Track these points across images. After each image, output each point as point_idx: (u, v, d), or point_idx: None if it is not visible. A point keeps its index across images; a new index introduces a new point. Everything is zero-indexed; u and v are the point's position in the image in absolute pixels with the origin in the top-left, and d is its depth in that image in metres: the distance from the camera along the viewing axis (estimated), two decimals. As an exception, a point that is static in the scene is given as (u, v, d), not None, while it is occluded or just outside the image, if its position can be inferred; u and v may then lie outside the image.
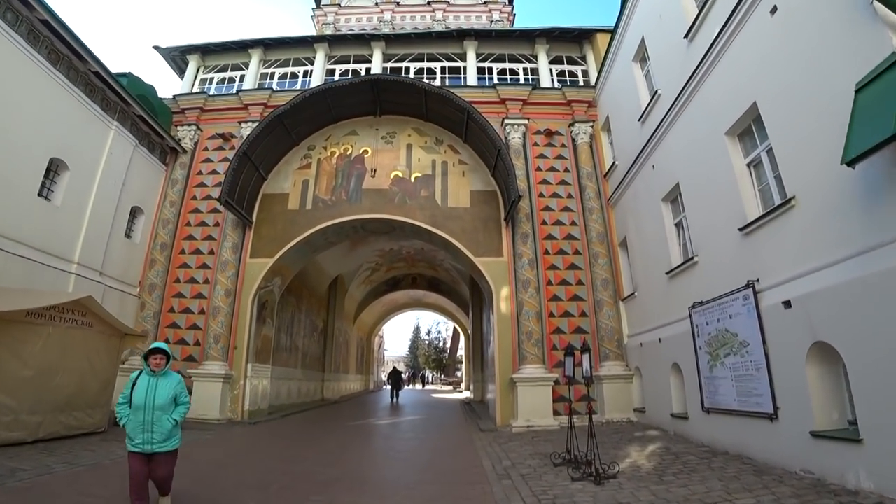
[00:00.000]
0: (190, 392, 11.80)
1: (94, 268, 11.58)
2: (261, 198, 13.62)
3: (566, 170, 13.46)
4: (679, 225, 9.43)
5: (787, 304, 5.79)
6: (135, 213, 13.40)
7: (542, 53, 15.51)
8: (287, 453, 7.53)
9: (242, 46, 16.55)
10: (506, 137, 13.32)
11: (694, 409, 8.12)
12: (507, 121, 13.70)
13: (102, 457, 6.90)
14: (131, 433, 3.94)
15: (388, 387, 26.60)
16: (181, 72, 17.16)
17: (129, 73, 13.66)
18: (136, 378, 4.09)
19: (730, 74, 7.27)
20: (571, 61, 15.81)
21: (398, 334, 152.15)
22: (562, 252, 12.35)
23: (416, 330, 63.10)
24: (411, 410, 17.16)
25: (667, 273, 9.41)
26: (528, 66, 15.80)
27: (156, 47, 16.57)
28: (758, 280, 6.49)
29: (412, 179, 13.42)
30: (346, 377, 25.20)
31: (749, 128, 7.04)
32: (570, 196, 13.08)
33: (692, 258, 8.45)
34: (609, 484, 5.20)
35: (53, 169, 10.79)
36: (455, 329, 43.79)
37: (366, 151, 13.85)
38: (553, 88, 14.49)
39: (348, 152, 13.93)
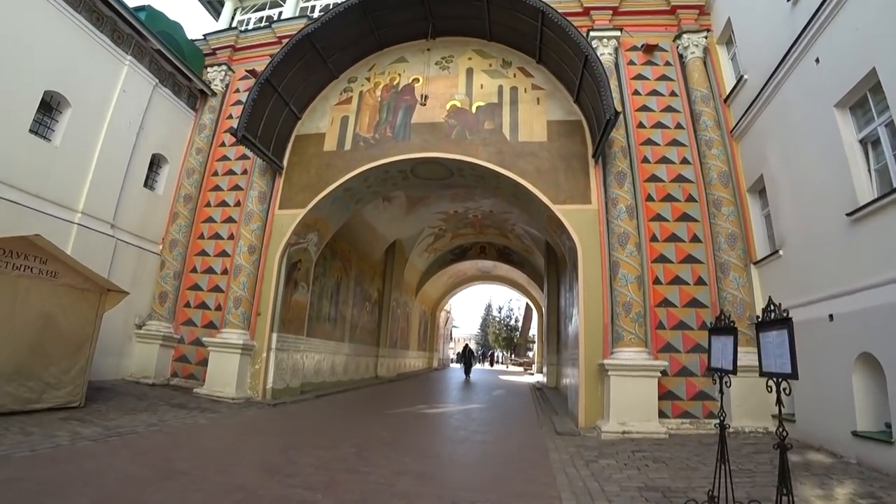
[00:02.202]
0: (205, 364, 10.42)
1: (104, 219, 10.08)
2: (293, 140, 11.51)
3: (673, 93, 10.06)
4: (867, 141, 6.02)
5: None
6: (158, 162, 11.88)
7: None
8: (272, 461, 5.27)
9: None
10: (592, 53, 10.07)
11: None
12: (592, 34, 10.45)
13: (36, 442, 5.05)
14: None
15: (459, 364, 27.39)
16: (217, 14, 15.49)
17: (148, 5, 11.97)
18: None
19: None
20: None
21: (468, 311, 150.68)
22: (670, 198, 9.08)
23: (488, 308, 60.75)
24: (472, 395, 14.71)
25: (849, 215, 6.06)
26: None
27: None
28: None
29: (473, 110, 10.64)
30: (404, 353, 23.29)
31: None
32: (679, 126, 9.70)
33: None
34: None
35: (54, 106, 9.31)
36: (527, 305, 40.80)
37: (416, 80, 11.23)
38: None
39: (395, 82, 11.39)
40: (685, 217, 8.90)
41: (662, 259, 8.63)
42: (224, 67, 12.90)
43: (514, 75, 10.80)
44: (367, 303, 17.75)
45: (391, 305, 19.89)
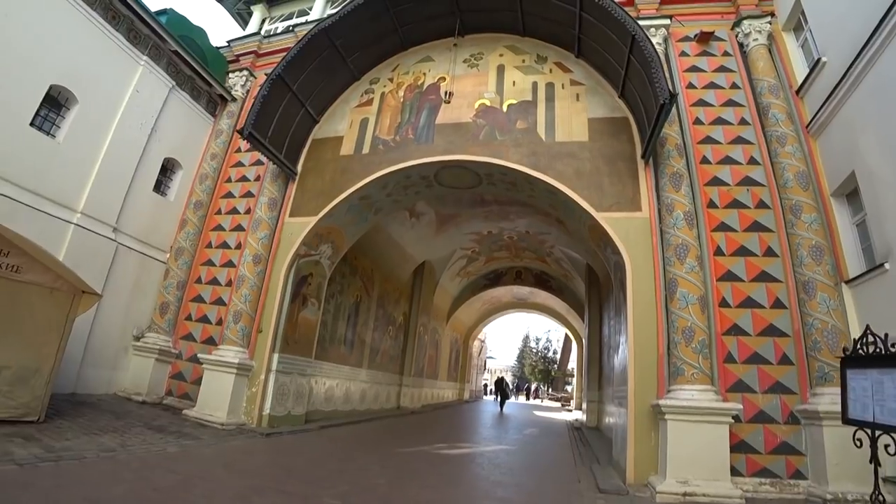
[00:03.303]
0: (200, 383, 9.38)
1: (106, 221, 9.45)
2: (310, 144, 10.70)
3: (734, 85, 8.64)
4: None
5: None
6: (172, 167, 11.34)
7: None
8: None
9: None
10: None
11: None
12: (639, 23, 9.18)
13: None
14: None
15: (493, 397, 27.23)
16: (245, 25, 15.33)
17: (170, 9, 11.68)
18: None
19: None
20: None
21: (505, 340, 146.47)
22: (737, 204, 7.54)
23: (526, 339, 58.34)
24: (501, 434, 13.08)
25: None
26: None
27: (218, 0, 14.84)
28: None
29: (504, 109, 9.51)
30: (432, 383, 21.79)
31: None
32: (743, 122, 8.22)
33: None
34: None
35: (62, 102, 8.92)
36: (566, 336, 38.52)
37: (442, 79, 10.26)
38: None
39: (420, 82, 10.47)
40: (756, 227, 7.31)
41: (730, 277, 7.04)
42: (245, 73, 12.43)
43: (551, 71, 9.65)
44: (391, 326, 16.55)
45: (418, 331, 18.61)
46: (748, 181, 7.62)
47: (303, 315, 10.04)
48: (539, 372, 51.84)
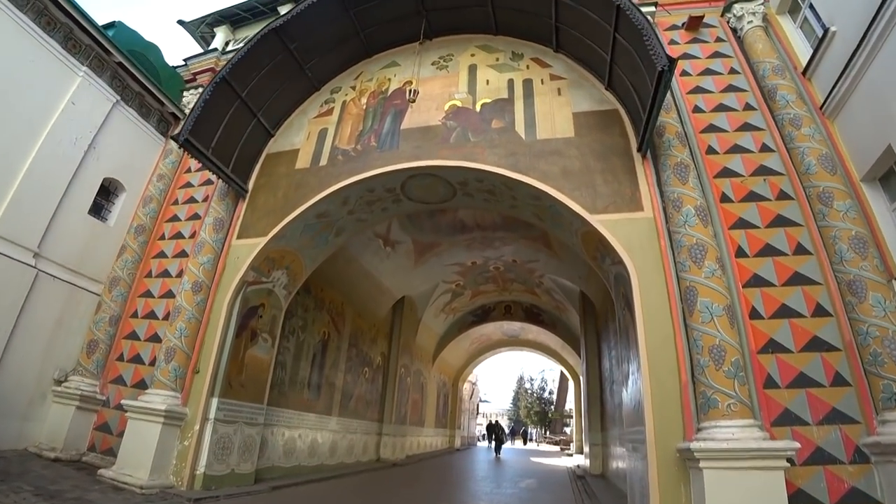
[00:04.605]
0: (121, 435, 7.50)
1: (24, 245, 8.03)
2: (263, 159, 9.54)
3: (733, 70, 7.73)
4: None
5: None
6: (115, 189, 10.08)
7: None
8: None
9: (272, 7, 13.40)
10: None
11: None
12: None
13: None
14: None
15: (487, 443, 26.04)
16: (208, 47, 14.51)
17: (119, 21, 10.80)
18: None
19: None
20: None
21: (498, 382, 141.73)
22: (755, 197, 6.36)
23: (520, 380, 56.03)
24: (492, 488, 11.28)
25: None
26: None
27: (180, 22, 14.09)
28: None
29: (477, 109, 8.47)
30: (417, 431, 19.84)
31: None
32: (749, 108, 7.22)
33: None
34: None
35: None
36: (562, 374, 36.66)
37: (409, 83, 9.26)
38: None
39: (384, 87, 9.46)
40: (780, 221, 6.11)
41: (758, 281, 5.75)
42: (201, 90, 11.38)
43: (528, 67, 8.70)
44: (367, 368, 14.91)
45: (399, 372, 16.92)
46: (764, 170, 6.49)
47: (251, 353, 8.52)
48: (535, 414, 49.36)
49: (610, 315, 11.08)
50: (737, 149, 6.77)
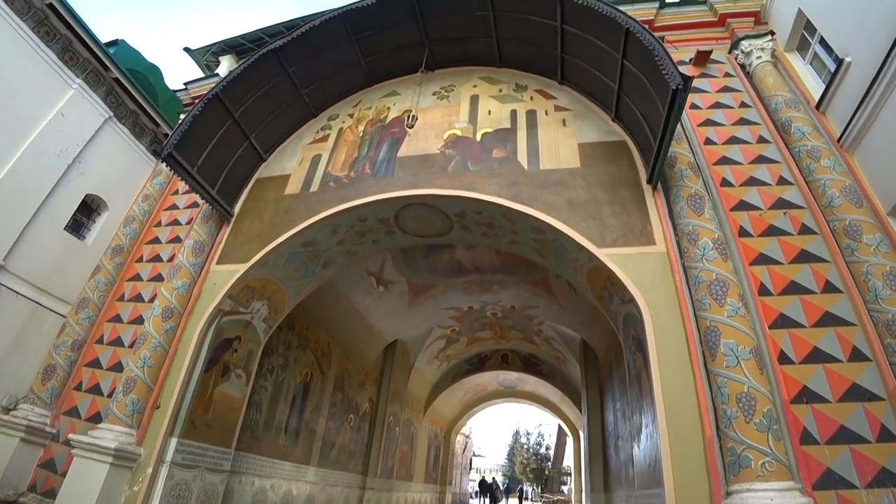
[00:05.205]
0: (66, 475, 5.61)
1: (-19, 256, 7.51)
2: (253, 183, 9.12)
3: (743, 105, 7.43)
4: None
5: None
6: (97, 206, 9.76)
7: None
8: None
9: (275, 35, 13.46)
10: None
11: None
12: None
13: None
14: None
15: (481, 500, 25.03)
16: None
17: (121, 39, 10.76)
18: None
19: None
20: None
21: (493, 435, 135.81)
22: (776, 231, 5.84)
23: (516, 434, 53.67)
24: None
25: None
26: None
27: (186, 49, 14.12)
28: None
29: (478, 138, 8.11)
30: (405, 486, 18.41)
31: None
32: (763, 140, 6.84)
33: None
34: None
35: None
36: (560, 428, 34.92)
37: (408, 112, 8.97)
38: (693, 2, 8.99)
39: (383, 116, 9.18)
40: (805, 256, 5.55)
41: (785, 322, 5.11)
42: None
43: (531, 98, 8.43)
44: (353, 415, 13.93)
45: (387, 421, 15.85)
46: (783, 203, 6.01)
47: (221, 390, 7.74)
48: (531, 471, 46.81)
49: (615, 364, 10.32)
50: (753, 181, 6.33)
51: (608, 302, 6.74)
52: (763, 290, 5.35)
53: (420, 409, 20.62)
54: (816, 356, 4.85)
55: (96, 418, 7.38)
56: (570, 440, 29.35)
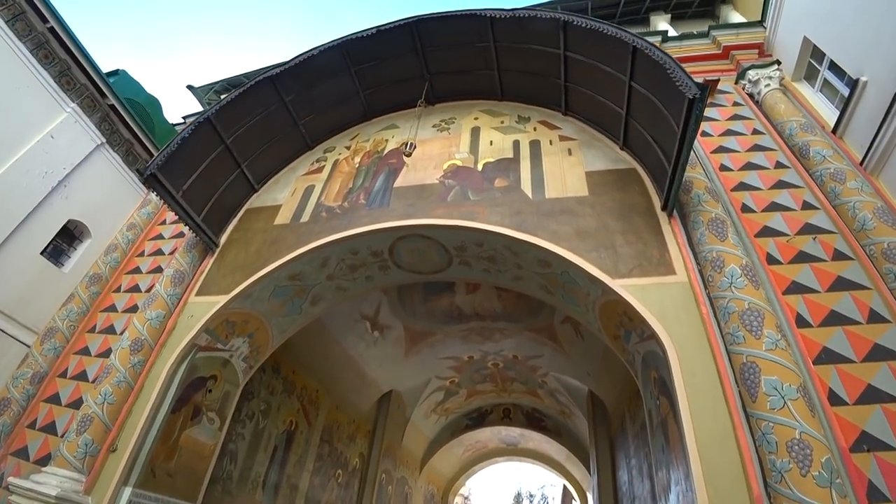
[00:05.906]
0: None
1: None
2: (242, 213, 8.70)
3: (756, 131, 7.10)
4: None
5: None
6: (79, 234, 9.32)
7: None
8: None
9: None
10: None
11: None
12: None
13: None
14: None
15: None
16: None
17: (122, 70, 10.73)
18: None
19: None
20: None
21: (492, 498, 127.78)
22: (807, 258, 5.26)
23: (518, 497, 50.40)
24: None
25: None
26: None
27: (189, 87, 14.24)
28: None
29: (479, 167, 7.74)
30: (397, 552, 16.78)
31: None
32: (781, 166, 6.42)
33: None
34: None
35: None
36: (565, 490, 32.57)
37: (406, 142, 8.68)
38: (696, 35, 8.97)
39: (381, 148, 8.89)
40: (843, 283, 4.94)
41: (830, 357, 4.43)
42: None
43: (535, 129, 8.14)
44: (341, 471, 12.79)
45: (379, 479, 14.58)
46: (811, 229, 5.48)
47: (190, 434, 6.92)
48: (534, 538, 43.58)
49: (628, 416, 9.44)
50: (775, 206, 5.85)
51: (624, 341, 6.07)
52: (801, 322, 4.70)
53: (416, 466, 19.20)
54: (872, 395, 4.13)
55: (46, 460, 6.56)
56: (576, 503, 27.28)
